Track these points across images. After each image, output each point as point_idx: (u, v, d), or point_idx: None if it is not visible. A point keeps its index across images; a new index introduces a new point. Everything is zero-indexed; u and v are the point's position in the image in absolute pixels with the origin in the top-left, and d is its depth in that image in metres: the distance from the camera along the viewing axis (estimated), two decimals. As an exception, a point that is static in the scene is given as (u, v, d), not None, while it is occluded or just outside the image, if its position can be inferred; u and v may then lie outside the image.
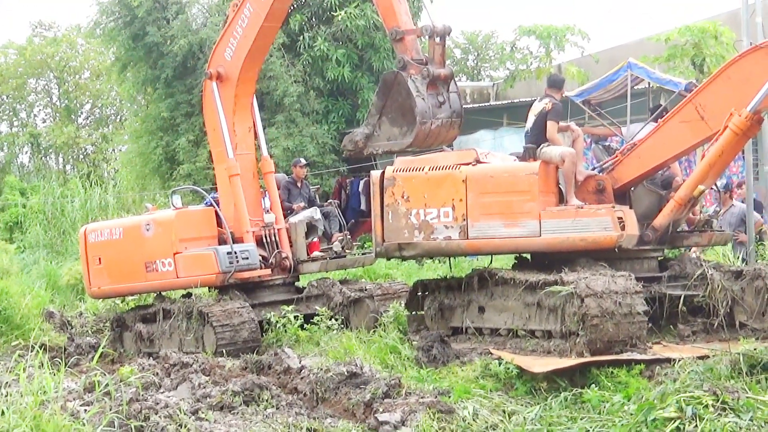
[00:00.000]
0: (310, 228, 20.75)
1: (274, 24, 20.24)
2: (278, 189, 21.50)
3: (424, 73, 16.59)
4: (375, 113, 17.19)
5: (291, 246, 20.46)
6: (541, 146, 16.42)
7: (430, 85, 16.71)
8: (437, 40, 16.81)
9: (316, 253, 20.51)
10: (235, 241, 19.70)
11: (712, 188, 18.38)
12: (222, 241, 19.66)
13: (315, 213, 20.95)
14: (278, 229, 20.38)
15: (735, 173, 25.32)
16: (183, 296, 20.43)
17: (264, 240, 20.14)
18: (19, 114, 55.68)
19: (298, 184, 21.90)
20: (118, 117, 55.42)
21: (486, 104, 40.92)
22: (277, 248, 20.18)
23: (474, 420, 12.55)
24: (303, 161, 22.42)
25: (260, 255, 19.85)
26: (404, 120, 16.80)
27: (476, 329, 16.65)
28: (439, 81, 16.80)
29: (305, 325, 18.89)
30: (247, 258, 19.35)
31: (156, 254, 19.86)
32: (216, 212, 20.10)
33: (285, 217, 20.90)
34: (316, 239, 20.79)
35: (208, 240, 19.62)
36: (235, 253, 19.18)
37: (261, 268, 19.74)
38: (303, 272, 20.68)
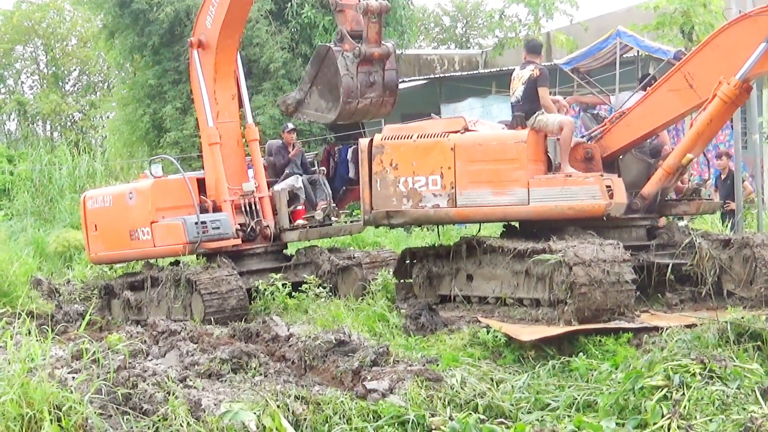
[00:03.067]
0: (293, 196, 20.75)
1: None
2: (271, 155, 21.55)
3: (356, 52, 16.58)
4: (308, 81, 17.33)
5: (275, 214, 20.45)
6: (536, 114, 16.38)
7: (363, 63, 16.71)
8: (372, 18, 16.72)
9: (298, 222, 20.50)
10: (216, 209, 19.75)
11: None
12: (204, 210, 19.63)
13: (296, 182, 20.97)
14: (260, 198, 20.37)
15: (722, 142, 25.36)
16: (171, 264, 20.47)
17: (244, 208, 20.14)
18: (6, 81, 55.53)
19: (290, 149, 21.88)
20: (106, 84, 55.32)
21: (475, 72, 40.93)
22: (258, 217, 20.18)
23: (462, 388, 12.56)
24: (290, 126, 22.39)
25: (240, 223, 19.87)
26: (331, 96, 16.94)
27: (464, 297, 16.70)
28: (374, 59, 16.77)
29: (293, 293, 18.96)
30: (218, 228, 19.32)
31: (137, 223, 20.04)
32: (195, 181, 20.15)
33: (274, 181, 20.91)
34: (300, 207, 20.78)
35: (187, 209, 19.58)
36: (204, 223, 19.16)
37: (236, 237, 19.75)
38: (285, 240, 20.69)
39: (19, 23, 53.91)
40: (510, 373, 13.47)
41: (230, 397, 11.84)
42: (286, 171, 21.30)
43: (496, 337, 14.63)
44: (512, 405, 12.38)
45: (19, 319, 12.20)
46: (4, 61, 54.50)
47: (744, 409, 11.86)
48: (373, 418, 11.80)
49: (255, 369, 13.38)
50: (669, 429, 11.66)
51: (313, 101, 17.31)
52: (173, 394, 11.25)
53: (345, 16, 16.99)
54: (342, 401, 11.93)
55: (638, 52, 20.21)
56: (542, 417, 12.16)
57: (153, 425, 10.55)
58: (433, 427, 11.91)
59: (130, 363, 12.37)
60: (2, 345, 10.93)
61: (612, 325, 14.45)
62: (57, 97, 53.24)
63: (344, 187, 22.07)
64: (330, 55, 16.85)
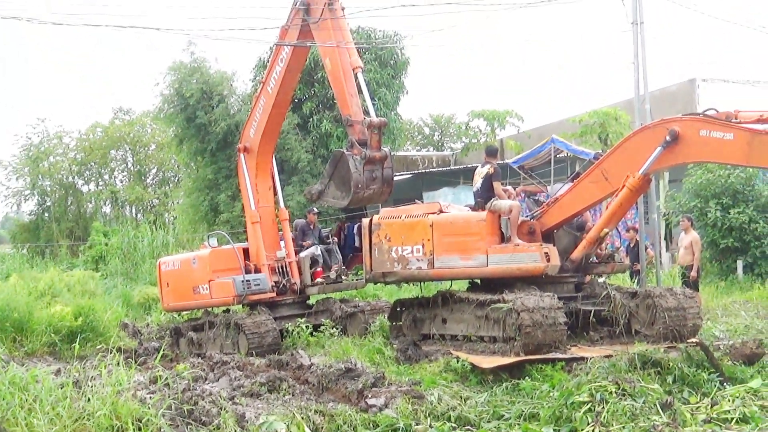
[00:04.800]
0: (314, 261, 20.79)
1: (281, 110, 20.49)
2: (297, 230, 21.58)
3: (362, 155, 16.66)
4: (326, 176, 17.34)
5: (300, 274, 20.51)
6: (492, 200, 16.41)
7: (368, 163, 16.76)
8: (374, 130, 16.83)
9: (317, 280, 20.53)
10: (257, 270, 19.97)
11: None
12: (248, 271, 19.75)
13: (316, 250, 20.98)
14: (289, 262, 20.47)
15: (630, 219, 25.38)
16: (223, 311, 20.50)
17: (277, 270, 20.21)
18: (103, 176, 55.58)
19: (311, 227, 21.91)
20: (176, 178, 55.35)
21: (447, 168, 41.08)
22: (288, 276, 20.24)
23: (439, 403, 12.52)
24: (315, 210, 22.43)
25: (275, 281, 19.93)
26: (345, 187, 16.93)
27: (440, 335, 16.61)
28: (375, 161, 16.85)
29: (314, 333, 18.90)
30: (259, 284, 19.56)
31: (199, 281, 20.11)
32: (241, 250, 20.34)
33: (299, 251, 20.95)
34: (319, 269, 20.80)
35: (236, 271, 19.69)
36: (248, 281, 19.36)
37: (272, 292, 19.83)
38: (308, 294, 20.72)
39: (113, 134, 54.04)
40: (474, 392, 13.40)
41: (267, 411, 11.77)
42: (308, 242, 21.32)
43: (464, 365, 14.55)
44: (476, 416, 12.34)
45: (110, 353, 12.14)
46: (102, 161, 54.56)
47: (648, 418, 11.81)
48: (373, 426, 11.77)
49: (285, 390, 13.32)
50: (592, 434, 11.61)
51: (330, 191, 17.33)
52: (224, 409, 11.19)
53: (354, 129, 17.07)
54: (350, 414, 11.89)
55: (567, 153, 20.33)
56: (498, 425, 12.12)
57: (209, 433, 10.50)
58: (418, 433, 11.85)
59: (192, 386, 12.31)
60: (98, 373, 10.84)
61: (550, 356, 14.37)
62: (140, 188, 53.30)
63: (352, 254, 21.92)
64: (343, 157, 16.90)
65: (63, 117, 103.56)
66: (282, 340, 18.98)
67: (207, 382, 14.34)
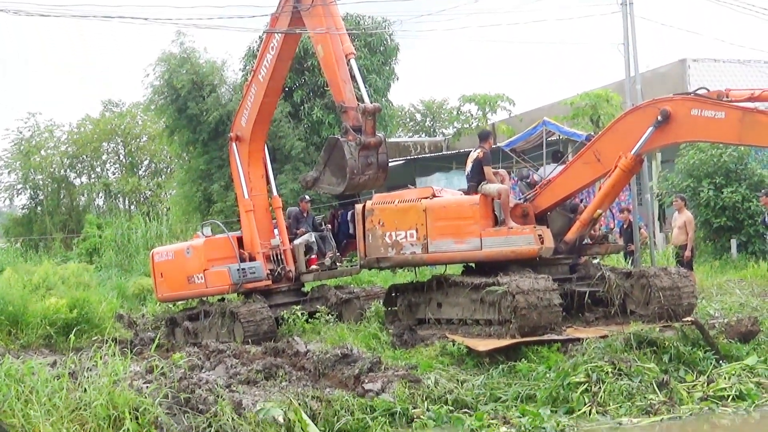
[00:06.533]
0: (308, 248, 20.76)
1: (273, 99, 20.38)
2: (290, 218, 21.53)
3: (357, 141, 16.63)
4: (321, 163, 17.36)
5: (295, 262, 20.47)
6: (482, 184, 16.42)
7: (363, 149, 16.74)
8: (369, 116, 16.80)
9: (312, 267, 20.50)
10: (252, 259, 19.85)
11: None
12: (243, 260, 19.69)
13: (310, 237, 20.92)
14: (284, 250, 20.41)
15: (623, 200, 25.38)
16: (219, 300, 20.46)
17: (272, 258, 20.17)
18: (95, 169, 55.39)
19: (304, 215, 21.87)
20: (169, 169, 55.20)
21: (440, 153, 41.00)
22: (282, 264, 20.20)
23: (435, 387, 12.56)
24: (307, 198, 22.39)
25: (270, 269, 19.88)
26: (340, 174, 16.94)
27: (436, 320, 16.62)
28: (370, 146, 16.83)
29: (309, 320, 18.88)
30: (254, 272, 19.47)
31: (193, 270, 19.97)
32: (235, 239, 20.21)
33: (293, 238, 20.91)
34: (314, 256, 20.77)
35: (230, 259, 19.65)
36: (244, 269, 19.27)
37: (267, 280, 19.77)
38: (303, 281, 20.67)
39: (105, 126, 53.78)
40: (471, 375, 13.44)
41: (264, 398, 11.78)
42: (302, 229, 21.27)
43: (460, 348, 14.57)
44: (473, 399, 12.39)
45: (106, 344, 12.13)
46: (94, 154, 54.37)
47: (645, 397, 11.87)
48: (370, 411, 11.80)
49: (282, 377, 13.33)
50: (590, 414, 11.65)
51: (326, 178, 17.30)
52: (221, 397, 11.19)
53: (348, 115, 17.03)
54: (346, 399, 11.92)
55: (559, 136, 20.27)
56: (496, 407, 12.17)
57: (207, 421, 10.50)
58: (415, 417, 11.86)
59: (189, 375, 12.30)
60: (94, 364, 10.83)
61: (545, 337, 14.41)
62: (133, 180, 53.20)
63: (346, 241, 21.86)
64: (338, 144, 16.87)
65: (57, 105, 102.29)
66: (278, 328, 18.97)
67: (203, 370, 14.31)
